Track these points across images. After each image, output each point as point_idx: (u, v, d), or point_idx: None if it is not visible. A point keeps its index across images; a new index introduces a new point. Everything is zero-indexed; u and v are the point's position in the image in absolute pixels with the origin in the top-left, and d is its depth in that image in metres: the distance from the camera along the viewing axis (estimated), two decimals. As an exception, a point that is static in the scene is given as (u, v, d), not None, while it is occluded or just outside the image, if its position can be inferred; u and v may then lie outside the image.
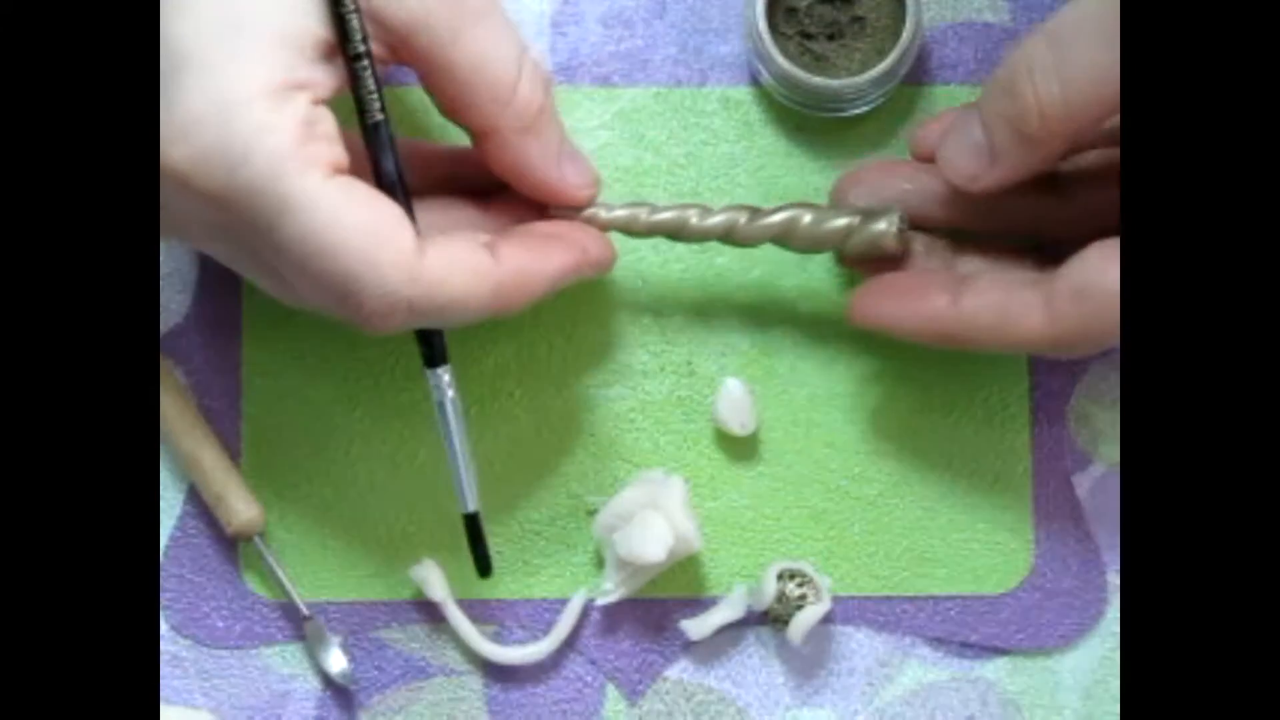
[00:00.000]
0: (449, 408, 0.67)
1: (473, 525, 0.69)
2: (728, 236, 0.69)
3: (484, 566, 0.69)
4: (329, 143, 0.61)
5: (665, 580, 0.72)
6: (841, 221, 0.69)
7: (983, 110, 0.65)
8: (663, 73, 0.73)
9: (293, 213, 0.60)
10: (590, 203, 0.68)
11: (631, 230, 0.69)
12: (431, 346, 0.66)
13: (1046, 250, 0.67)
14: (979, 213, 0.68)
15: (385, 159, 0.64)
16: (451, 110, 0.65)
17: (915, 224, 0.69)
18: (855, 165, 0.72)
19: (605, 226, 0.69)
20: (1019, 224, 0.69)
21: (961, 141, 0.66)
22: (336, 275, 0.61)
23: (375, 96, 0.63)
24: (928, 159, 0.69)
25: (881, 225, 0.68)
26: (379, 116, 0.63)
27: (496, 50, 0.64)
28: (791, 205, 0.69)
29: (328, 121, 0.62)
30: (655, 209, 0.69)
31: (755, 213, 0.69)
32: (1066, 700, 0.72)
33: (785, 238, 0.69)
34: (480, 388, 0.72)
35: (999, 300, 0.65)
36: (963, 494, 0.72)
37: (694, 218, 0.69)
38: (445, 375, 0.66)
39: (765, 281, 0.73)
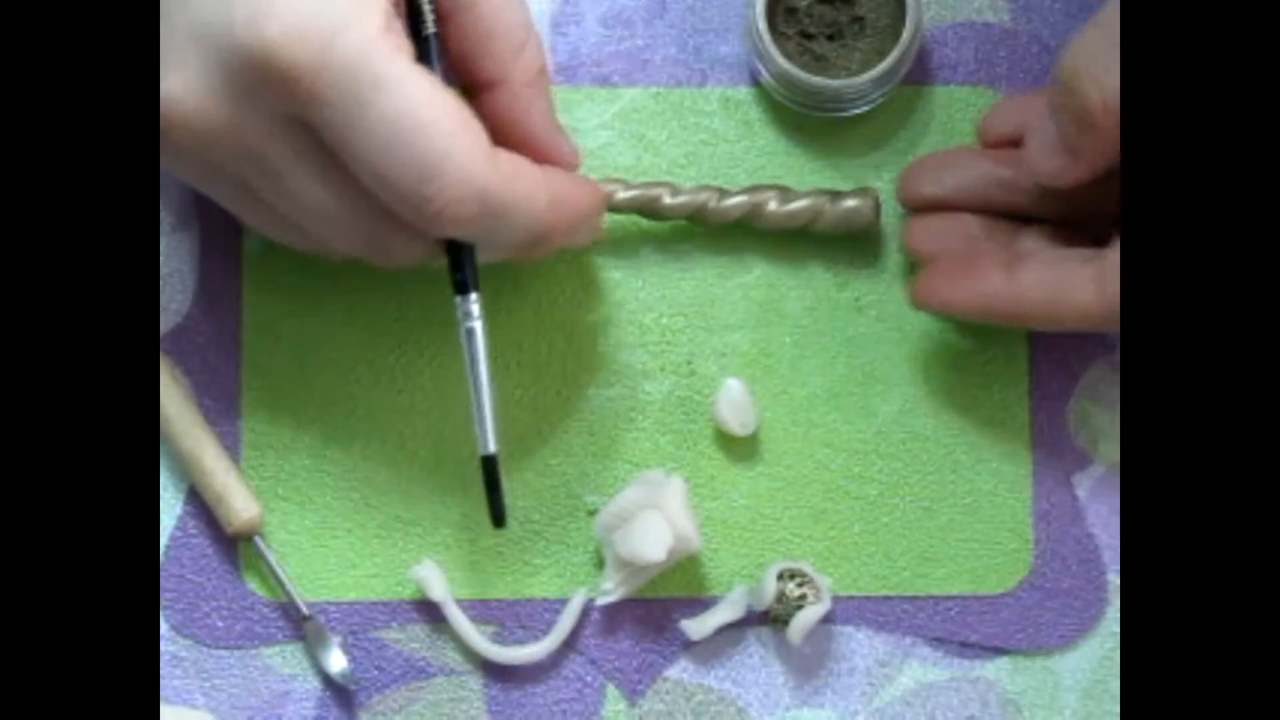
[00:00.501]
0: (477, 337, 0.67)
1: (490, 469, 0.68)
2: (698, 214, 0.71)
3: (498, 515, 0.68)
4: (406, 39, 0.63)
5: (665, 580, 0.72)
6: (810, 201, 0.71)
7: (1051, 110, 0.66)
8: (663, 73, 0.73)
9: (386, 88, 0.61)
10: (575, 169, 0.69)
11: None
12: (464, 271, 0.66)
13: (1106, 232, 0.67)
14: (1041, 198, 0.70)
15: (436, 71, 0.65)
16: (468, 57, 0.67)
17: (982, 209, 0.70)
18: (855, 164, 0.73)
19: None
20: (1080, 208, 0.70)
21: (1041, 141, 0.67)
22: (423, 154, 0.61)
23: (431, 8, 0.65)
24: (995, 145, 0.71)
25: (853, 202, 0.71)
26: (432, 29, 0.65)
27: (512, 2, 0.67)
28: (760, 186, 0.71)
29: (400, 25, 0.63)
30: (628, 185, 0.71)
31: (724, 193, 0.71)
32: (1066, 700, 0.72)
33: (754, 217, 0.71)
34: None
35: (1052, 276, 0.67)
36: (963, 494, 0.72)
37: (665, 195, 0.71)
38: (475, 304, 0.66)
39: (765, 281, 0.73)
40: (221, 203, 0.67)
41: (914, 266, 0.72)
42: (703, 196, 0.71)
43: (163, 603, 0.72)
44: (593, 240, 0.70)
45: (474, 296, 0.66)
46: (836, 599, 0.72)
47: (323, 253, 0.67)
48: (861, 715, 0.72)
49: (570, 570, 0.72)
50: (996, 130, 0.71)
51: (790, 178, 0.73)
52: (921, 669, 0.72)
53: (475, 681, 0.72)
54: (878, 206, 0.71)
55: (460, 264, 0.66)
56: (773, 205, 0.71)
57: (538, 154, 0.68)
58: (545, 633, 0.72)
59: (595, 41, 0.73)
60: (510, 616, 0.72)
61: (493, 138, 0.67)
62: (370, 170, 0.62)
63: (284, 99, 0.61)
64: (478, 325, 0.66)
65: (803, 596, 0.71)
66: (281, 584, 0.71)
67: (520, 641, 0.72)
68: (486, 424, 0.67)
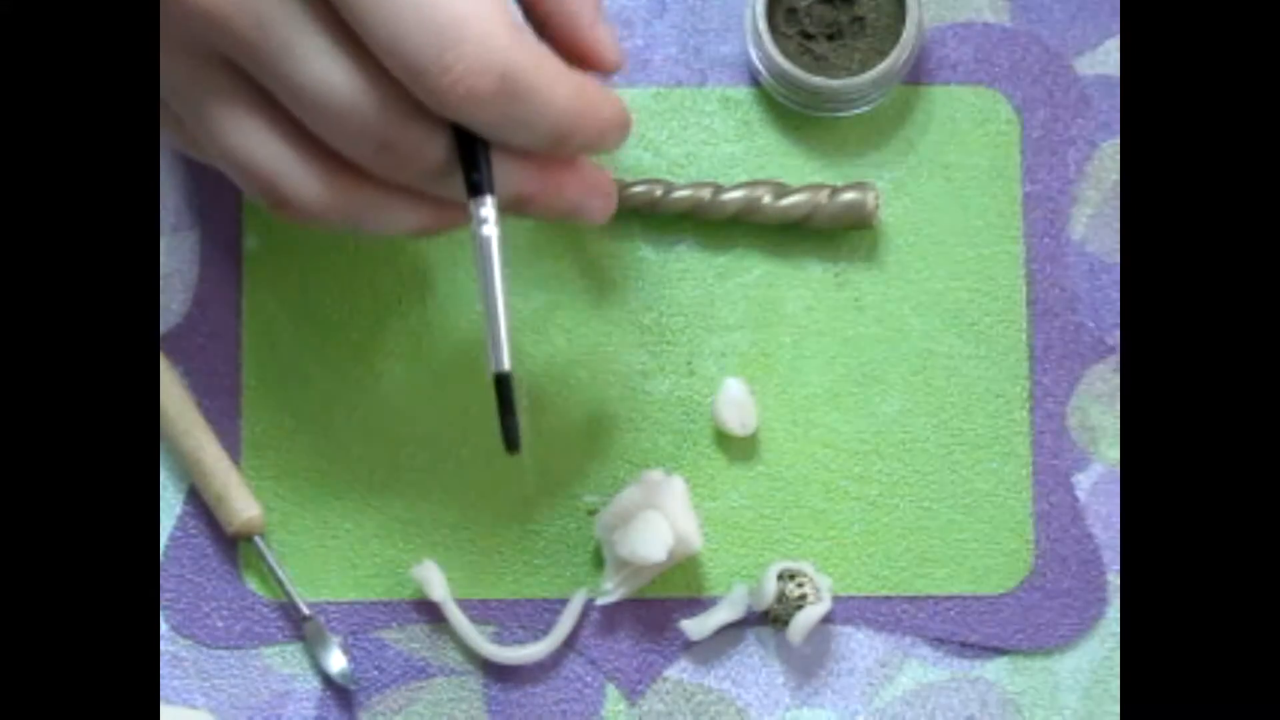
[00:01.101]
0: (492, 246, 0.62)
1: (504, 390, 0.62)
2: (695, 210, 0.71)
3: (512, 438, 0.63)
4: None
5: (665, 580, 0.72)
6: (808, 195, 0.71)
7: None
8: (663, 73, 0.74)
9: None
10: (616, 72, 0.66)
11: None
12: (479, 170, 0.62)
13: None
14: None
15: None
16: None
17: None
18: (856, 164, 0.73)
19: None
20: None
21: None
22: (442, 18, 0.58)
23: None
24: None
25: (852, 195, 0.71)
26: None
27: None
28: (757, 181, 0.72)
29: None
30: (625, 184, 0.71)
31: (720, 188, 0.71)
32: (1066, 700, 0.72)
33: (751, 212, 0.71)
34: (480, 389, 0.72)
35: None
36: (963, 494, 0.72)
37: (659, 191, 0.71)
38: (491, 208, 0.62)
39: (764, 281, 0.73)
40: (204, 120, 0.62)
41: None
42: (699, 192, 0.71)
43: (163, 603, 0.72)
44: (607, 213, 0.66)
45: (489, 200, 0.62)
46: (836, 599, 0.72)
47: (299, 208, 0.63)
48: (861, 715, 0.72)
49: (570, 570, 0.72)
50: None
51: (790, 177, 0.73)
52: (921, 669, 0.72)
53: (475, 681, 0.72)
54: (877, 198, 0.71)
55: (475, 162, 0.61)
56: (769, 199, 0.71)
57: (572, 48, 0.64)
58: (545, 633, 0.72)
59: (595, 41, 0.73)
60: (510, 616, 0.72)
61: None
62: (385, 36, 0.58)
63: None
64: (493, 233, 0.62)
65: (803, 596, 0.71)
66: (281, 584, 0.71)
67: (520, 641, 0.72)
68: (501, 340, 0.62)
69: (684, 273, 0.73)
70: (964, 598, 0.72)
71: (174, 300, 0.73)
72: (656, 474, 0.71)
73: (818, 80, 0.71)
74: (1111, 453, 0.73)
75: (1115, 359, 0.73)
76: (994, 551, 0.72)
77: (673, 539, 0.69)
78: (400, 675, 0.72)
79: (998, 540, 0.72)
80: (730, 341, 0.73)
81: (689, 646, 0.72)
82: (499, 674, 0.72)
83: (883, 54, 0.71)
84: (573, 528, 0.72)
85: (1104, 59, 0.73)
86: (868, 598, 0.72)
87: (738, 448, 0.73)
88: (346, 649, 0.72)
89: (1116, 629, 0.72)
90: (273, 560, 0.71)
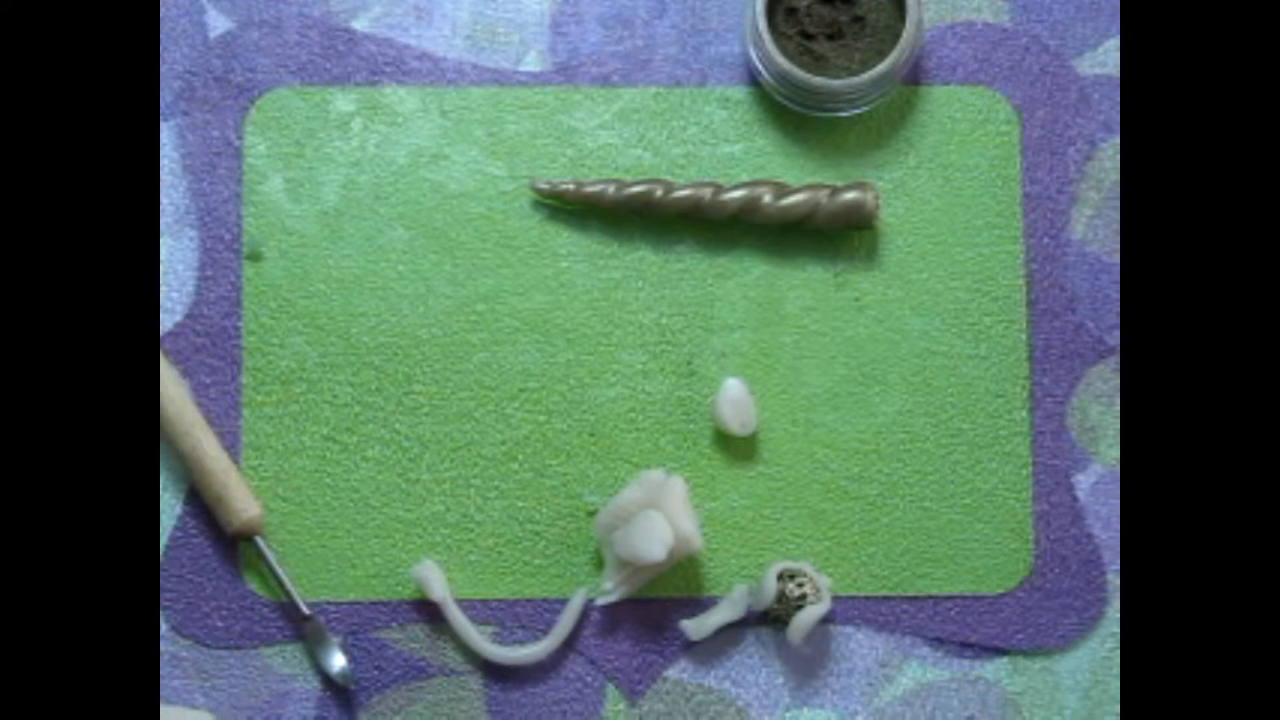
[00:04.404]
0: None
1: None
2: (696, 209, 0.72)
3: None
4: None
5: (665, 580, 0.72)
6: (808, 194, 0.71)
7: None
8: (663, 73, 0.74)
9: None
10: None
11: (601, 203, 0.71)
12: None
13: None
14: None
15: None
16: None
17: None
18: (855, 164, 0.73)
19: (576, 200, 0.71)
20: None
21: None
22: None
23: None
24: None
25: (853, 195, 0.71)
26: None
27: None
28: (757, 181, 0.72)
29: None
30: (623, 184, 0.71)
31: (720, 187, 0.71)
32: (1066, 700, 0.72)
33: (751, 212, 0.71)
34: (481, 389, 0.72)
35: None
36: (963, 494, 0.73)
37: (659, 191, 0.71)
38: None
39: (764, 281, 0.73)
40: None
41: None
42: (700, 192, 0.71)
43: (163, 603, 0.72)
44: None
45: None
46: (836, 599, 0.72)
47: None
48: (861, 715, 0.72)
49: (570, 570, 0.72)
50: None
51: (790, 177, 0.73)
52: (921, 669, 0.72)
53: (475, 681, 0.72)
54: (877, 198, 0.71)
55: None
56: (769, 199, 0.71)
57: None
58: (545, 633, 0.72)
59: (595, 41, 0.73)
60: (510, 616, 0.72)
61: None
62: None
63: None
64: None
65: (803, 596, 0.71)
66: (281, 584, 0.71)
67: (520, 641, 0.72)
68: None
69: (684, 273, 0.73)
70: (964, 598, 0.72)
71: (174, 300, 0.73)
72: (656, 474, 0.71)
73: (818, 80, 0.71)
74: (1111, 453, 0.73)
75: (1115, 359, 0.73)
76: (994, 551, 0.72)
77: (673, 539, 0.69)
78: (400, 675, 0.72)
79: (997, 540, 0.72)
80: (730, 341, 0.73)
81: (689, 646, 0.72)
82: (499, 674, 0.72)
83: (883, 54, 0.71)
84: (573, 528, 0.72)
85: (1104, 59, 0.73)
86: (868, 598, 0.72)
87: (738, 448, 0.73)
88: (346, 649, 0.72)
89: (1116, 629, 0.72)
90: (273, 560, 0.71)
